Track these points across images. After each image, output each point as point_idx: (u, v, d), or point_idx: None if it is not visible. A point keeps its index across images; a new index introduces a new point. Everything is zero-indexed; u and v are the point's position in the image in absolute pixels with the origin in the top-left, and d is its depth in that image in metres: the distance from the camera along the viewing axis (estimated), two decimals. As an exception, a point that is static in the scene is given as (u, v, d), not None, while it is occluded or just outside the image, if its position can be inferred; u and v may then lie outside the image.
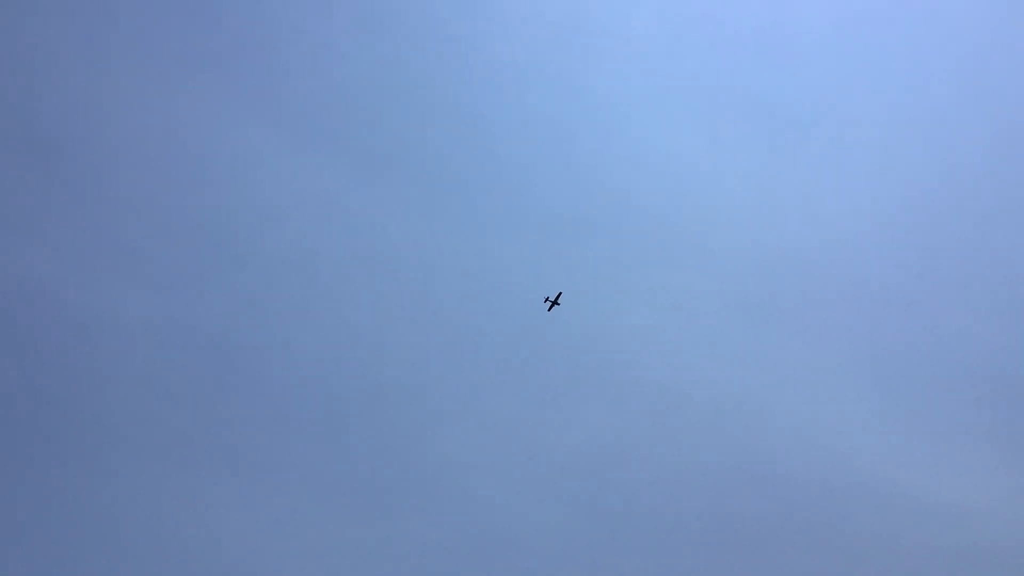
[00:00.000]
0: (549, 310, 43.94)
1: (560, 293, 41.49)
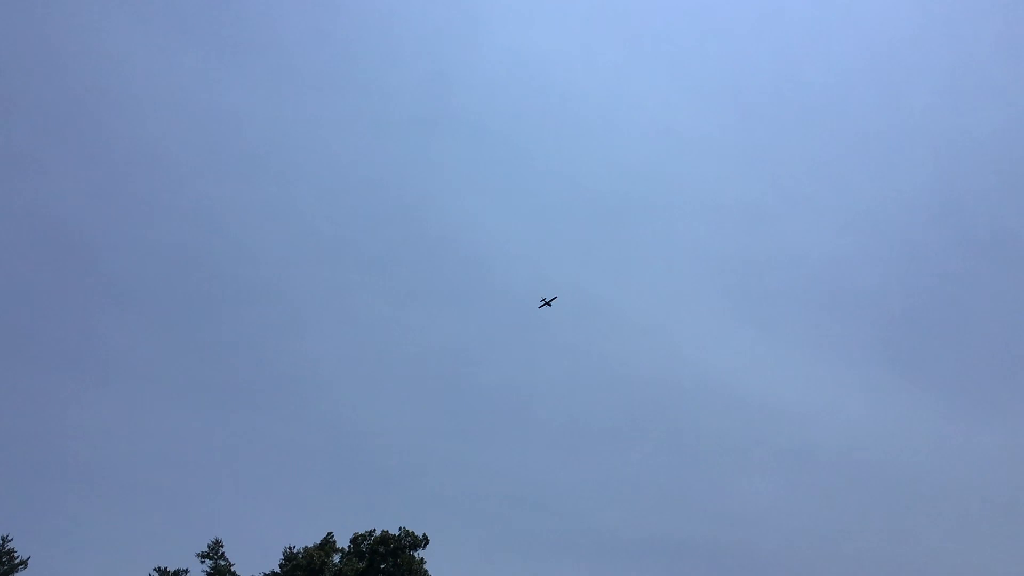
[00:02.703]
0: (540, 307, 46.16)
1: (555, 297, 44.16)
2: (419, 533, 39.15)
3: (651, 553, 67.89)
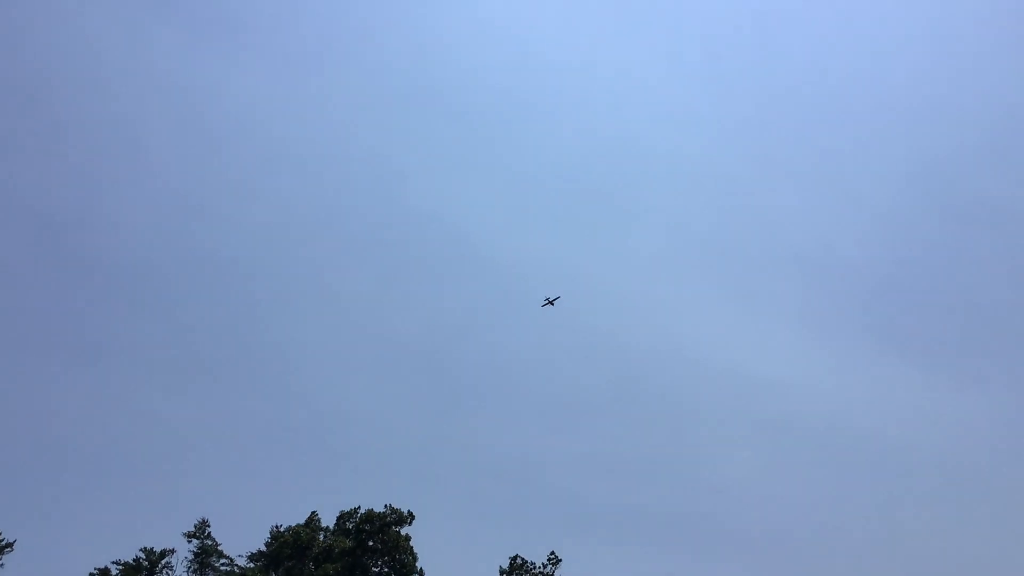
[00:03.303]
0: (543, 306, 46.85)
1: (559, 296, 44.82)
2: (404, 510, 39.42)
3: (634, 525, 68.66)
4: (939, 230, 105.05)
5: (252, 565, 39.48)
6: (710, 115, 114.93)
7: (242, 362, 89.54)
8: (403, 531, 39.13)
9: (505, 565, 39.57)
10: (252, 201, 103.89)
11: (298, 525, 38.86)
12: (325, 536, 38.98)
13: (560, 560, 39.57)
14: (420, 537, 39.95)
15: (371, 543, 38.53)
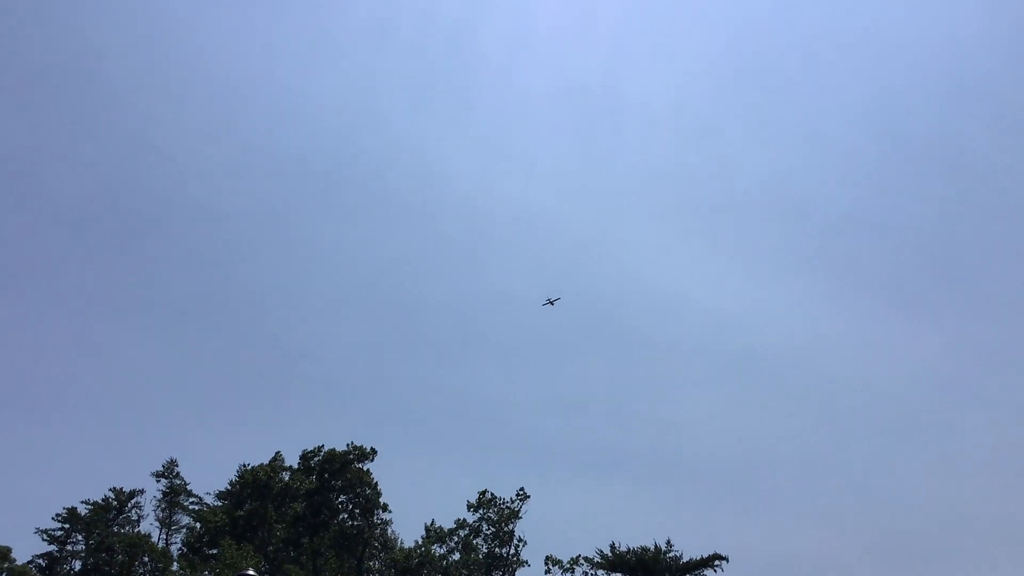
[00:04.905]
0: (543, 306, 47.27)
1: (559, 298, 45.43)
2: (366, 447, 39.92)
3: (600, 461, 70.33)
4: (896, 168, 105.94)
5: (221, 503, 40.22)
6: (672, 56, 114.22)
7: (208, 302, 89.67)
8: (365, 467, 39.62)
9: (473, 500, 40.30)
10: (215, 141, 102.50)
11: (262, 465, 39.51)
12: (289, 475, 39.62)
13: (528, 496, 40.10)
14: (390, 475, 40.67)
15: (334, 481, 39.11)
